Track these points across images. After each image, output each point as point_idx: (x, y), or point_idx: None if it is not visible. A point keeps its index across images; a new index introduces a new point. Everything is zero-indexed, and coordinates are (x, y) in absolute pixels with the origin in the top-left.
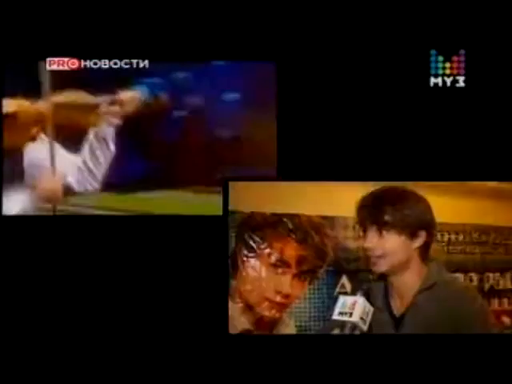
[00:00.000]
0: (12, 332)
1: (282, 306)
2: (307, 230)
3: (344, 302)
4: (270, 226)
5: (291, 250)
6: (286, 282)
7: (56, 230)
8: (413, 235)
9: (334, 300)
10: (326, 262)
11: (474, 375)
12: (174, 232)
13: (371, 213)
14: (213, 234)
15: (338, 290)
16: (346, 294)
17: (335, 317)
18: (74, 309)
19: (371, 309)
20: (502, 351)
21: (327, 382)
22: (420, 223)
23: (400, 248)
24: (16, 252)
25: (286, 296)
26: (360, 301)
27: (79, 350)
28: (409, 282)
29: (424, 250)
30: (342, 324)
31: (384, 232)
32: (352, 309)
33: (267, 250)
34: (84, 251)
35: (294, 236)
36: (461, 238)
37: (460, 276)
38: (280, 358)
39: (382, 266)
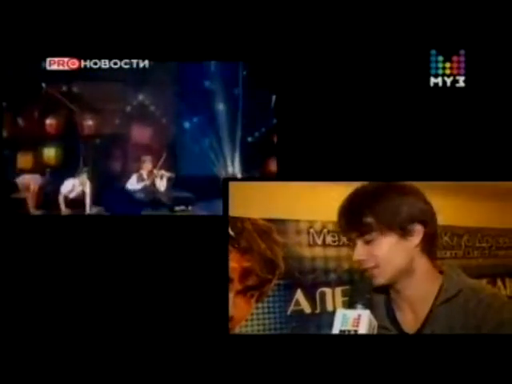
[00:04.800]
0: (12, 331)
1: None
2: (252, 237)
3: (345, 318)
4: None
5: (233, 262)
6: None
7: (56, 230)
8: (406, 233)
9: (287, 320)
10: (276, 274)
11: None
12: (174, 232)
13: (350, 219)
14: (213, 234)
15: (292, 307)
16: (348, 306)
17: None
18: (75, 308)
19: (376, 324)
20: None
21: (327, 382)
22: (412, 216)
23: (395, 251)
24: (16, 252)
25: (229, 319)
26: (365, 314)
27: (79, 349)
28: (420, 290)
29: (428, 246)
30: None
31: (370, 239)
32: (356, 325)
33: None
34: (84, 251)
35: (236, 244)
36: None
37: (484, 281)
38: (280, 358)
39: (380, 278)
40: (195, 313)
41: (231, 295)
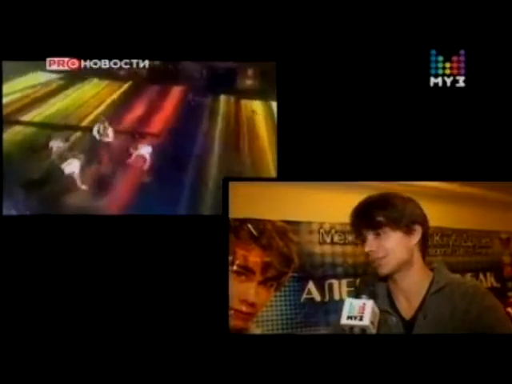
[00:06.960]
0: (12, 332)
1: (248, 316)
2: (272, 236)
3: (352, 305)
4: (232, 231)
5: (255, 257)
6: (250, 290)
7: (56, 230)
8: (409, 231)
9: (300, 306)
10: (291, 268)
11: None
12: (174, 232)
13: (364, 219)
14: (213, 234)
15: (304, 296)
16: (355, 296)
17: (344, 321)
18: (75, 308)
19: (378, 312)
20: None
21: (327, 382)
22: (413, 218)
23: (400, 245)
24: (16, 252)
25: (252, 305)
26: (369, 303)
27: (80, 349)
28: (415, 282)
29: (423, 246)
30: (352, 329)
31: (381, 233)
32: (362, 312)
33: (229, 257)
34: (84, 251)
35: (258, 242)
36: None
37: (469, 275)
38: (280, 358)
39: (386, 267)
40: (196, 312)
41: (254, 285)
